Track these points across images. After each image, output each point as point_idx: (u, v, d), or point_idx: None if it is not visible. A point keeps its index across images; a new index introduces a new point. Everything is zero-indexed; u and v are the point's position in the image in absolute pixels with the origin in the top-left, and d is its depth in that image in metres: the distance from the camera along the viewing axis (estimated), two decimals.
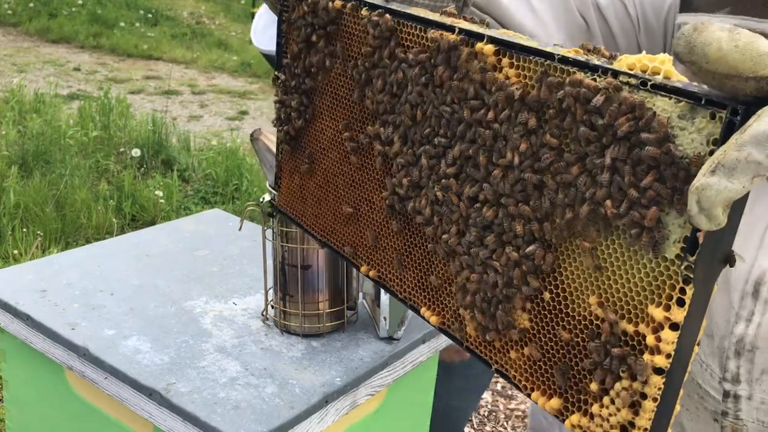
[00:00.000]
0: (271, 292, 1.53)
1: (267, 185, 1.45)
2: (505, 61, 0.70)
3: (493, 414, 3.65)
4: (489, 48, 0.71)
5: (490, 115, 0.71)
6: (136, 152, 5.74)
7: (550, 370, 0.70)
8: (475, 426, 3.56)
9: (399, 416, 1.61)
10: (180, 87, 8.49)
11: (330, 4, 0.92)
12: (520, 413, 3.60)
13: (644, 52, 0.62)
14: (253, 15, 11.36)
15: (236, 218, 2.03)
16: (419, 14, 0.81)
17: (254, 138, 1.39)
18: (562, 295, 0.68)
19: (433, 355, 1.60)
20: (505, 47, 0.70)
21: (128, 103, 6.79)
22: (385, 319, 1.47)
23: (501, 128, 0.71)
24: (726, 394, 1.21)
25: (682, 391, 0.62)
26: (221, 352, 1.40)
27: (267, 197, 1.46)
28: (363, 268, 0.94)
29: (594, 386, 0.64)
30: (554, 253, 0.68)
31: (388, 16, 0.84)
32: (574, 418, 0.67)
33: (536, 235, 0.69)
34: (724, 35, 0.50)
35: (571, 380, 0.68)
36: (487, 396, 3.76)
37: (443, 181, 0.78)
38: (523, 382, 0.73)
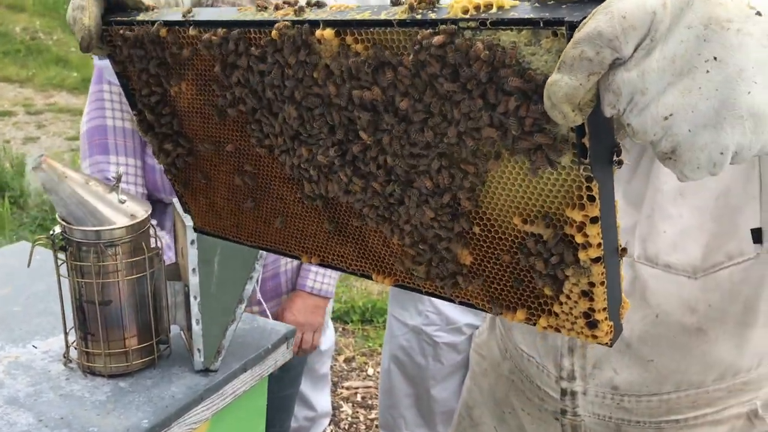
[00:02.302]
0: (73, 332, 1.41)
1: (57, 216, 1.34)
2: (349, 39, 0.71)
3: (354, 426, 3.62)
4: (329, 32, 0.71)
5: (372, 92, 0.71)
6: None
7: (506, 289, 0.75)
8: None
9: None
10: (14, 107, 7.94)
11: (156, 33, 0.87)
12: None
13: None
14: None
15: (47, 251, 1.88)
16: (248, 17, 0.80)
17: (36, 167, 1.28)
18: (488, 224, 0.73)
19: (259, 382, 1.53)
20: (343, 27, 0.71)
21: None
22: (199, 350, 1.39)
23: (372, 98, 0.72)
24: (563, 392, 1.23)
25: (621, 262, 0.68)
26: (12, 404, 1.27)
27: (58, 229, 1.34)
28: (304, 258, 0.93)
29: (548, 291, 0.70)
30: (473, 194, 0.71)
31: (219, 30, 0.81)
32: (542, 321, 0.73)
33: (444, 183, 0.72)
34: None
35: (526, 291, 0.73)
36: (347, 408, 3.73)
37: (344, 170, 0.79)
38: (487, 306, 0.77)
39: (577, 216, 0.64)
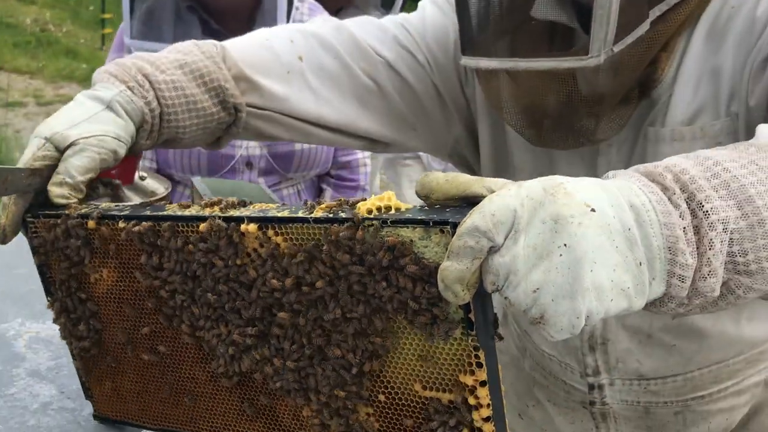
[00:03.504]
0: None
1: None
2: (270, 232, 0.81)
3: None
4: (252, 227, 0.82)
5: (287, 282, 0.81)
6: None
7: None
8: None
9: None
10: (24, 98, 8.00)
11: (82, 224, 0.95)
12: None
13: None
14: (102, 21, 10.88)
15: None
16: (177, 213, 0.89)
17: None
18: (392, 392, 0.82)
19: None
20: (265, 222, 0.81)
21: None
22: None
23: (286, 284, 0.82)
24: (591, 387, 1.27)
25: (507, 421, 0.79)
26: (34, 376, 1.30)
27: None
28: None
29: None
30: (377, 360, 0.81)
31: (145, 223, 0.89)
32: None
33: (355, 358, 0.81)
34: (441, 176, 0.72)
35: None
36: None
37: (260, 348, 0.88)
38: None
39: (468, 380, 0.76)
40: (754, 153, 0.76)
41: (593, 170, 1.11)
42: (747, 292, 0.72)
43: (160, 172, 2.06)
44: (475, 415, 0.77)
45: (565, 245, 0.65)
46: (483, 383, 0.76)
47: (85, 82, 8.89)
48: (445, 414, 0.79)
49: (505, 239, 0.67)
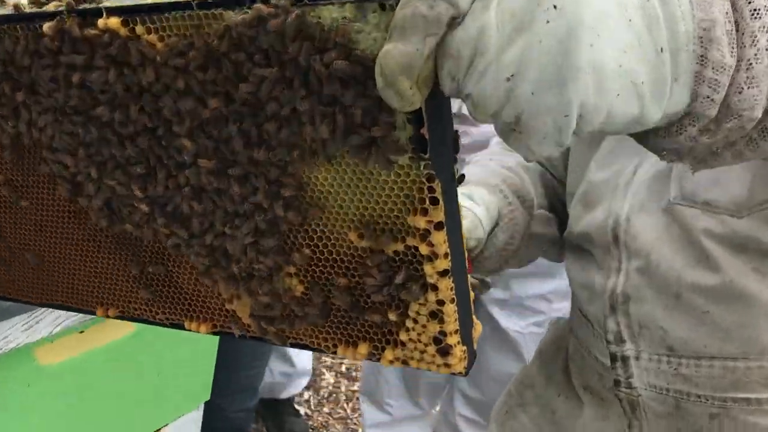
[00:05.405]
0: None
1: None
2: (140, 28, 0.59)
3: (333, 395, 3.44)
4: (114, 21, 0.59)
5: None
6: None
7: (344, 320, 0.65)
8: (313, 407, 3.34)
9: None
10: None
11: None
12: None
13: None
14: None
15: None
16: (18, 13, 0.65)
17: None
18: (321, 244, 0.62)
19: None
20: (131, 14, 0.59)
21: None
22: None
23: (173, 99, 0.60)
24: (613, 358, 1.06)
25: (469, 278, 0.61)
26: None
27: None
28: (99, 312, 0.79)
29: (392, 316, 0.61)
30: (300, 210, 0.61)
31: None
32: (388, 353, 0.63)
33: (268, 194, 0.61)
34: None
35: (367, 320, 0.64)
36: (329, 377, 3.54)
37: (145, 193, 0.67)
38: (323, 344, 0.67)
39: (420, 223, 0.56)
40: None
41: None
42: None
43: None
44: (428, 269, 0.58)
45: (554, 7, 0.45)
46: (439, 225, 0.56)
47: None
48: (390, 269, 0.60)
49: (472, 3, 0.47)
